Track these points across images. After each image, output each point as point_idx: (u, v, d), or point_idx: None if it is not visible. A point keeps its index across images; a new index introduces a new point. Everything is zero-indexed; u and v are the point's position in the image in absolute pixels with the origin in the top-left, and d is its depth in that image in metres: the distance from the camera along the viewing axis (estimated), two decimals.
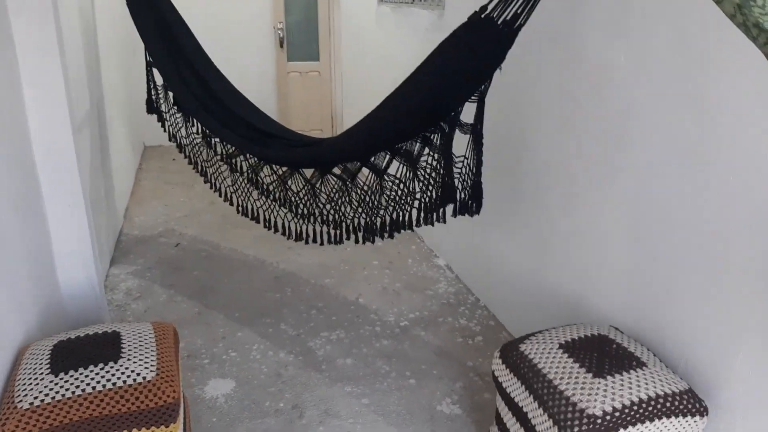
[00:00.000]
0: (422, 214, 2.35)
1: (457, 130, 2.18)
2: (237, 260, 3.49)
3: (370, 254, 3.55)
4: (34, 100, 2.11)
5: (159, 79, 3.22)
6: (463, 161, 2.26)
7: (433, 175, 2.27)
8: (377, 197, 2.46)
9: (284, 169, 2.75)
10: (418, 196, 2.34)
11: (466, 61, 2.01)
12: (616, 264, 2.04)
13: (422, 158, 2.28)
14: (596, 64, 2.05)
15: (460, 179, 2.29)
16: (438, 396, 2.31)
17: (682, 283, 1.73)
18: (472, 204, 2.32)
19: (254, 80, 6.10)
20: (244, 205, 3.00)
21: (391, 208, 2.44)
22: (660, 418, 1.52)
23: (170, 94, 3.22)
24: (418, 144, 2.27)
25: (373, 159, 2.41)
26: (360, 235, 2.52)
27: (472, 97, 2.08)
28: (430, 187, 2.31)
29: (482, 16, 1.88)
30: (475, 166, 2.26)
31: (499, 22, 1.84)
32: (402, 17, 3.79)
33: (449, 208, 2.25)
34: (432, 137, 2.22)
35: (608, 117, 2.02)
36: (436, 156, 2.24)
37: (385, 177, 2.41)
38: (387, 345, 2.67)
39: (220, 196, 3.11)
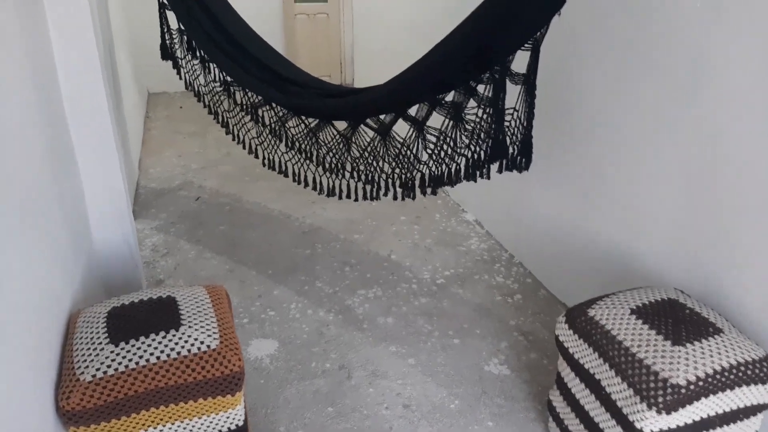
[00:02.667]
0: (468, 170, 2.26)
1: (507, 80, 2.07)
2: (262, 215, 3.40)
3: (396, 209, 3.47)
4: (61, 41, 1.94)
5: (173, 23, 3.03)
6: (512, 113, 2.15)
7: (483, 128, 2.17)
8: (416, 151, 2.36)
9: (314, 120, 2.63)
10: (463, 150, 2.24)
11: (522, 5, 1.88)
12: (673, 219, 1.97)
13: (469, 111, 2.17)
14: (667, 6, 1.92)
15: (509, 133, 2.19)
16: (484, 356, 2.28)
17: (751, 241, 1.67)
18: (521, 159, 2.23)
19: (260, 22, 5.73)
20: (271, 158, 2.88)
21: (432, 163, 2.35)
22: (740, 386, 1.49)
23: (185, 38, 3.05)
24: (463, 94, 2.15)
25: (412, 111, 2.30)
26: (397, 191, 2.43)
27: (526, 45, 1.96)
28: (480, 142, 2.21)
29: None
30: (526, 119, 2.15)
31: None
32: None
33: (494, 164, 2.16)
34: (480, 87, 2.11)
35: (675, 65, 1.91)
36: (485, 108, 2.13)
37: (426, 130, 2.30)
38: (426, 303, 2.62)
39: (244, 148, 2.99)
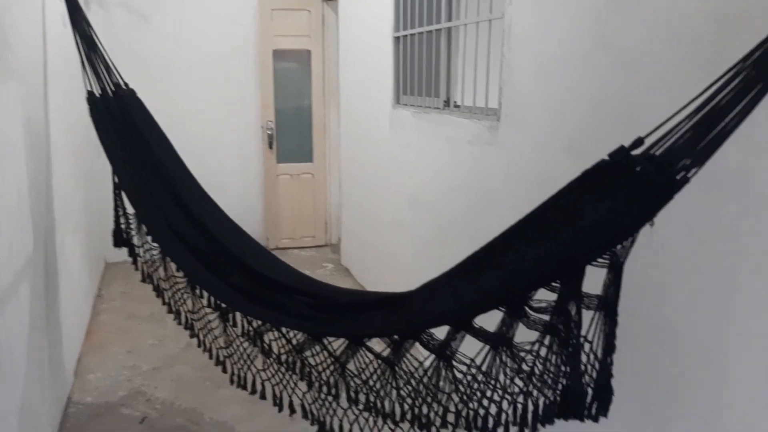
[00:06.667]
0: (525, 421, 1.61)
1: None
2: None
3: None
4: None
5: (130, 206, 2.46)
6: (584, 344, 1.53)
7: (545, 367, 1.55)
8: (438, 388, 1.72)
9: (300, 335, 2.01)
10: (516, 396, 1.60)
11: (599, 211, 1.36)
12: None
13: (524, 344, 1.56)
14: None
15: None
16: None
17: None
18: (595, 405, 1.57)
19: (239, 183, 5.41)
20: (243, 374, 2.22)
21: (463, 407, 1.70)
22: None
23: (143, 225, 2.46)
24: (508, 318, 1.57)
25: (435, 334, 1.71)
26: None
27: (601, 260, 1.39)
28: (542, 385, 1.58)
29: (632, 152, 1.25)
30: (602, 353, 1.53)
31: (658, 166, 1.22)
32: (428, 124, 3.16)
33: None
34: (533, 312, 1.53)
35: None
36: (545, 340, 1.53)
37: (455, 362, 1.68)
38: None
39: (210, 358, 2.32)
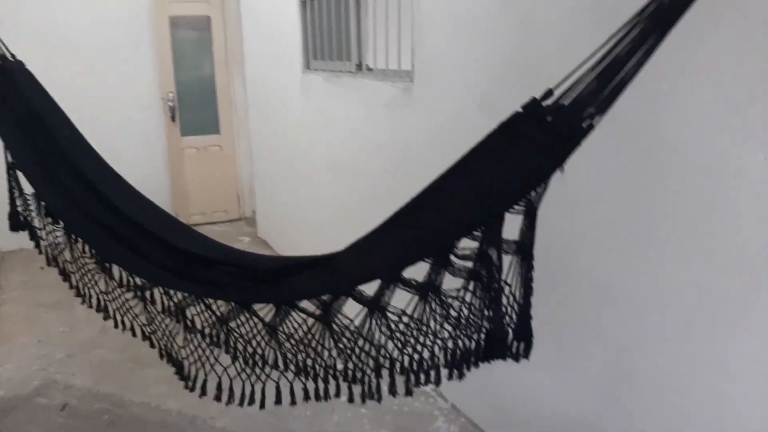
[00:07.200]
0: (453, 364, 1.71)
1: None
2: (153, 422, 2.53)
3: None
4: None
5: (28, 185, 2.29)
6: (503, 289, 1.64)
7: (471, 312, 1.65)
8: (372, 341, 1.78)
9: (224, 305, 1.97)
10: (448, 342, 1.69)
11: (513, 161, 1.46)
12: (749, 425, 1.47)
13: (451, 291, 1.64)
14: (697, 158, 1.51)
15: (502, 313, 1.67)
16: None
17: None
18: (518, 345, 1.70)
19: (143, 159, 5.14)
20: (167, 350, 2.15)
21: (400, 356, 1.77)
22: None
23: (43, 204, 2.30)
24: (434, 268, 1.63)
25: (365, 290, 1.75)
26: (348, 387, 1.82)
27: (517, 207, 1.48)
28: (467, 330, 1.67)
29: (543, 104, 1.33)
30: (522, 297, 1.65)
31: (566, 115, 1.31)
32: (342, 89, 3.15)
33: None
34: (457, 260, 1.61)
35: (735, 229, 1.48)
36: (470, 286, 1.61)
37: (388, 314, 1.74)
38: None
39: (135, 336, 2.22)
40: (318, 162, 3.56)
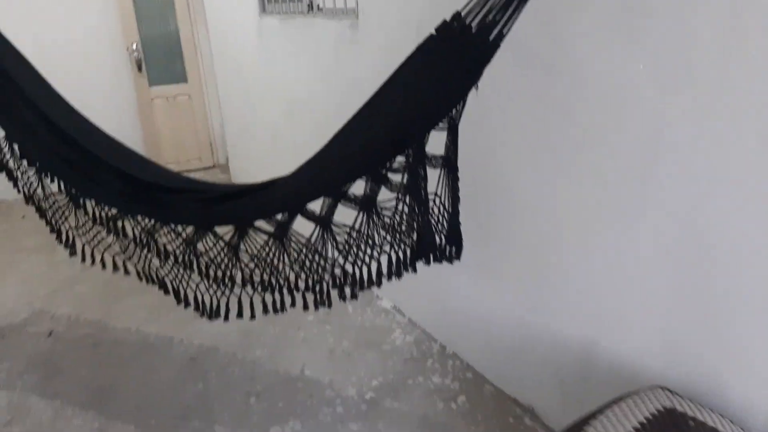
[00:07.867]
0: (392, 269, 1.94)
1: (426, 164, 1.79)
2: (135, 343, 2.77)
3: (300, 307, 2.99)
4: None
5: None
6: (434, 199, 1.87)
7: (404, 220, 1.86)
8: (324, 252, 2.00)
9: (189, 228, 2.16)
10: (385, 248, 1.91)
11: (432, 80, 1.65)
12: (647, 307, 1.73)
13: (386, 202, 1.85)
14: (601, 78, 1.71)
15: (433, 221, 1.90)
16: None
17: (742, 325, 1.45)
18: (450, 249, 1.94)
19: (113, 110, 5.22)
20: (146, 272, 2.34)
21: (347, 264, 1.99)
22: None
23: (15, 146, 2.45)
24: (371, 184, 1.83)
25: (312, 207, 1.95)
26: (308, 300, 2.04)
27: (440, 124, 1.70)
28: (403, 237, 1.90)
29: (454, 25, 1.49)
30: (450, 205, 1.88)
31: (474, 33, 1.46)
32: (296, 30, 3.28)
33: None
34: (391, 175, 1.81)
35: (626, 144, 1.68)
36: (403, 197, 1.82)
37: (333, 227, 1.95)
38: (358, 430, 2.17)
39: (104, 267, 2.40)
40: (277, 106, 3.70)
